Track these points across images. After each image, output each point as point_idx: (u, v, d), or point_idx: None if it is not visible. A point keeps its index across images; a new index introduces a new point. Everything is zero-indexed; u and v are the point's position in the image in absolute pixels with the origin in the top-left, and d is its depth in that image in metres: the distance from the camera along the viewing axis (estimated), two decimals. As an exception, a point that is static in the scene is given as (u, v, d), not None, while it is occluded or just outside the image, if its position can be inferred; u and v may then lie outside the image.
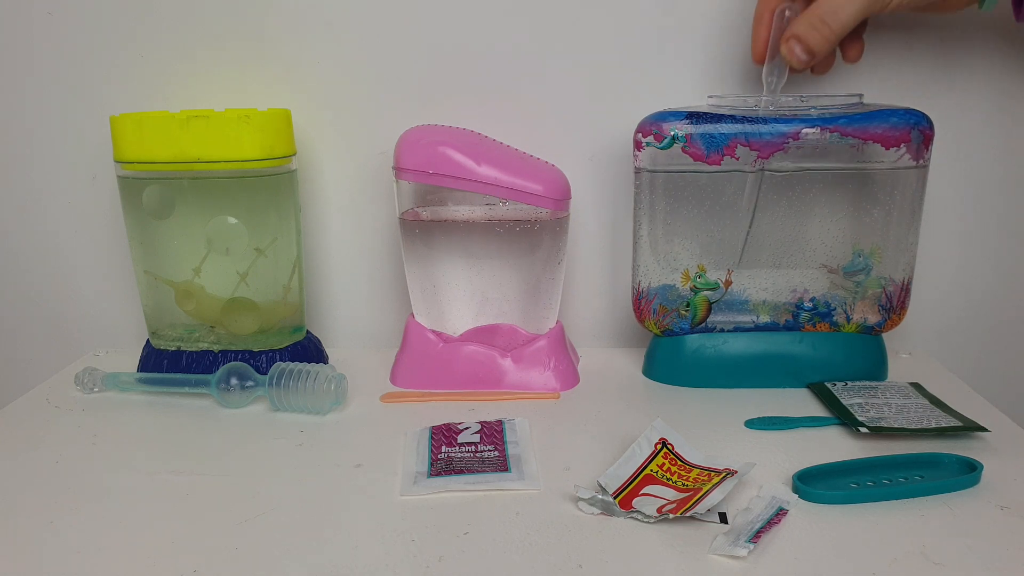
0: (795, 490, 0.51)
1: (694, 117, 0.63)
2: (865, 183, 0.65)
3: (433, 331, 0.71)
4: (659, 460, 0.53)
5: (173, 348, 0.72)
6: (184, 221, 0.68)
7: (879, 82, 0.71)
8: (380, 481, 0.53)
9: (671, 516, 0.47)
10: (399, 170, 0.66)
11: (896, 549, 0.45)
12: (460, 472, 0.54)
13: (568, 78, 0.73)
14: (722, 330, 0.69)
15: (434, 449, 0.57)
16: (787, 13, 0.60)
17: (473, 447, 0.57)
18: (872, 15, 0.58)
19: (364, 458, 0.57)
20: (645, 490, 0.51)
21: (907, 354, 0.76)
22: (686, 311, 0.69)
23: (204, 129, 0.64)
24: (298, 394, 0.63)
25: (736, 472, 0.50)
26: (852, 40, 0.63)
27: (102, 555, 0.46)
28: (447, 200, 0.70)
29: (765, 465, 0.54)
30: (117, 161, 0.67)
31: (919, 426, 0.58)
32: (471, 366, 0.69)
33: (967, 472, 0.52)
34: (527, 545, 0.46)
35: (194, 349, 0.72)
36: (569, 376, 0.70)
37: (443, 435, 0.59)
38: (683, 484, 0.51)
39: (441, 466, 0.54)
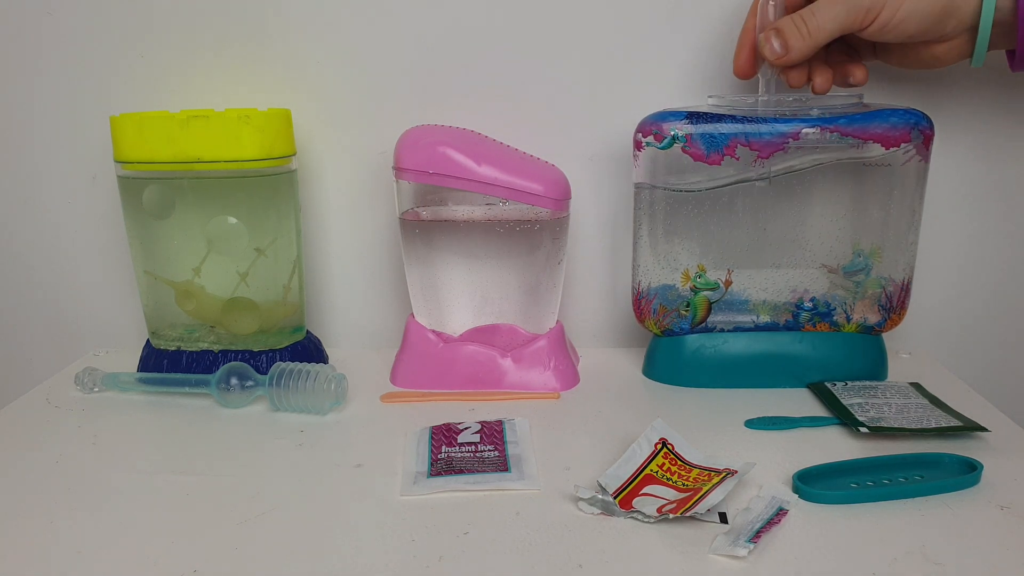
0: (795, 490, 0.51)
1: (694, 117, 0.63)
2: (865, 183, 0.66)
3: (433, 331, 0.71)
4: (659, 460, 0.53)
5: (173, 348, 0.72)
6: (184, 221, 0.68)
7: (879, 82, 0.71)
8: (380, 481, 0.53)
9: (671, 516, 0.47)
10: (399, 170, 0.66)
11: (896, 549, 0.45)
12: (460, 472, 0.54)
13: (568, 78, 0.73)
14: (722, 330, 0.69)
15: (434, 449, 0.57)
16: (771, 3, 0.61)
17: (473, 447, 0.57)
18: (852, 31, 0.59)
19: (364, 458, 0.57)
20: (645, 490, 0.51)
21: (907, 354, 0.76)
22: (686, 311, 0.69)
23: (204, 129, 0.64)
24: (298, 394, 0.63)
25: (736, 472, 0.50)
26: (855, 63, 0.64)
27: (102, 555, 0.46)
28: (447, 200, 0.70)
29: (765, 465, 0.54)
30: (117, 161, 0.67)
31: (919, 426, 0.58)
32: (471, 366, 0.69)
33: (967, 472, 0.52)
34: (527, 545, 0.46)
35: (194, 349, 0.72)
36: (569, 376, 0.70)
37: (443, 435, 0.59)
38: (683, 484, 0.51)
39: (441, 466, 0.54)
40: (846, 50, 0.65)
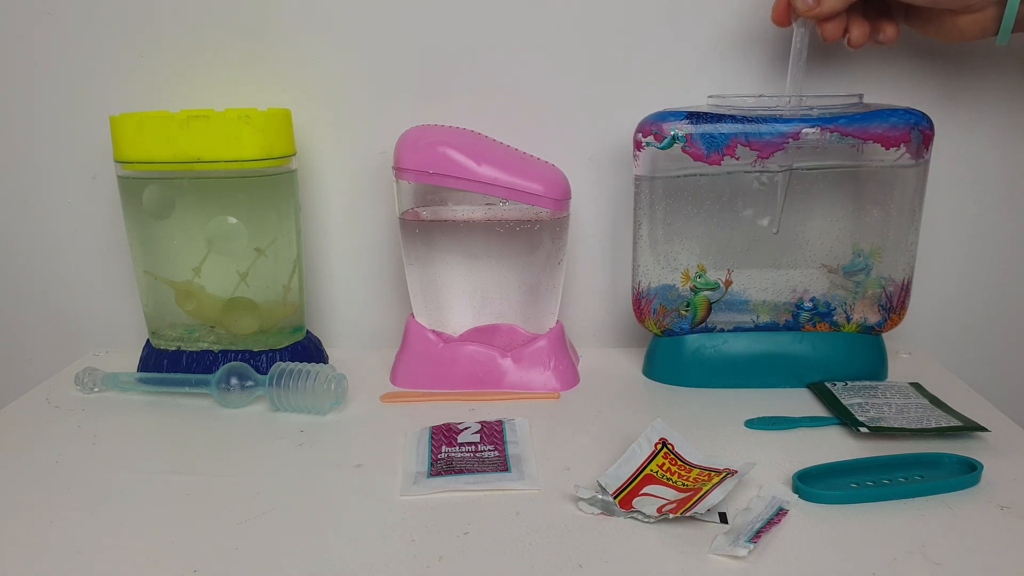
0: (795, 490, 0.51)
1: (694, 117, 0.63)
2: (865, 183, 0.66)
3: (433, 331, 0.71)
4: (659, 460, 0.53)
5: (173, 348, 0.72)
6: (184, 221, 0.68)
7: (879, 82, 0.71)
8: (380, 481, 0.53)
9: (671, 516, 0.47)
10: (399, 170, 0.66)
11: (896, 549, 0.45)
12: (460, 472, 0.54)
13: (568, 78, 0.73)
14: (722, 330, 0.69)
15: (434, 449, 0.57)
16: None
17: (473, 447, 0.57)
18: None
19: (364, 458, 0.57)
20: (645, 490, 0.51)
21: (907, 354, 0.76)
22: (686, 311, 0.69)
23: (204, 129, 0.64)
24: (298, 394, 0.63)
25: (736, 472, 0.50)
26: (887, 20, 0.62)
27: (102, 555, 0.46)
28: (447, 200, 0.70)
29: (765, 465, 0.54)
30: (117, 161, 0.67)
31: (919, 426, 0.58)
32: (471, 366, 0.69)
33: (967, 472, 0.52)
34: (527, 545, 0.46)
35: (194, 349, 0.72)
36: (569, 376, 0.70)
37: (443, 435, 0.59)
38: (683, 484, 0.51)
39: (441, 466, 0.54)
40: (880, 7, 0.63)
